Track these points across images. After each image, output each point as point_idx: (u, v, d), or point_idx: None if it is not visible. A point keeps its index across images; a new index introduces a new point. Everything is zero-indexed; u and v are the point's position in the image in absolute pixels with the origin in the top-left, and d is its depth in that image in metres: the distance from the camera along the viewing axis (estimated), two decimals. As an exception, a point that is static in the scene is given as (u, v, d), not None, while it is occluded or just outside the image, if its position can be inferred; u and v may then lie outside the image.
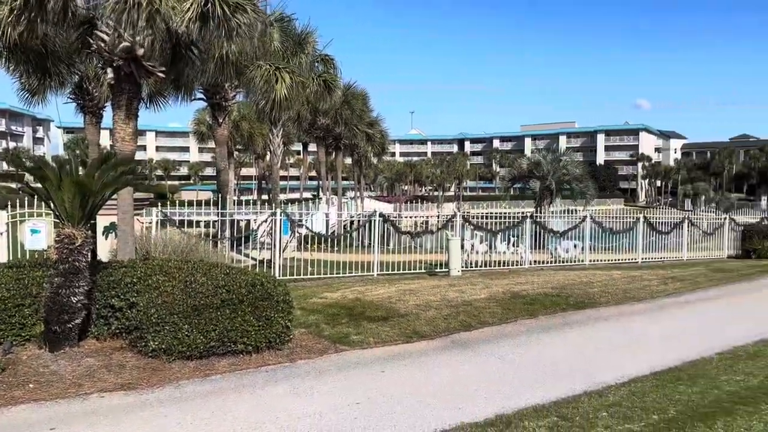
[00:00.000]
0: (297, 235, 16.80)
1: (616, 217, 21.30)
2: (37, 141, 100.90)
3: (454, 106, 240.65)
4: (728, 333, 9.23)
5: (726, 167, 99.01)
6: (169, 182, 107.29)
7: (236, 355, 7.32)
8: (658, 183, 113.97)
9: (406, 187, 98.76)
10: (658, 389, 6.45)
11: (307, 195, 64.38)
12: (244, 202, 15.17)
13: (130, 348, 7.25)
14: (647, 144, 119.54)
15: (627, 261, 19.51)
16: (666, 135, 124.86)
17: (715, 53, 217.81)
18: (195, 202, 15.49)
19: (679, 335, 9.19)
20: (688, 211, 46.96)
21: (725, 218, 23.14)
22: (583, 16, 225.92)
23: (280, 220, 14.34)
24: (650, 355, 7.92)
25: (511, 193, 77.88)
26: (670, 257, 20.64)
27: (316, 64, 18.60)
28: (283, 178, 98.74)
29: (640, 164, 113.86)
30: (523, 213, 19.07)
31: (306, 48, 17.58)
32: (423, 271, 15.73)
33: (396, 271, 15.24)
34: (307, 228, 16.12)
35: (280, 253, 13.99)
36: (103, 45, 9.57)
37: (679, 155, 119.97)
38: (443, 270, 15.43)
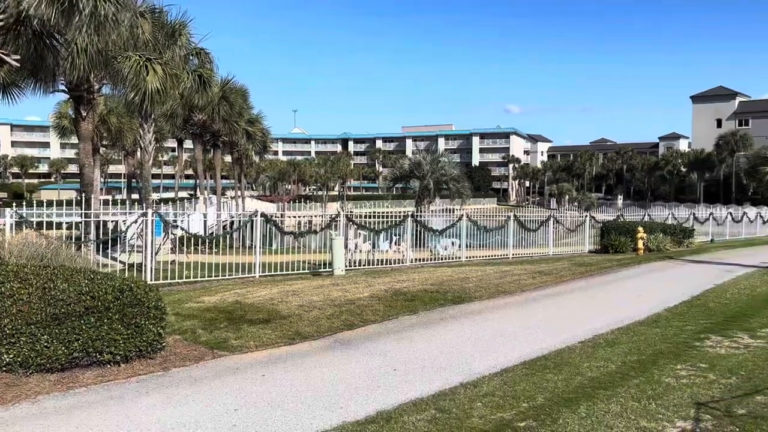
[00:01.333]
0: (172, 236, 16.01)
1: (490, 215, 22.45)
2: None
3: (337, 105, 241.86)
4: (590, 322, 10.00)
5: (587, 169, 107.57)
6: (27, 180, 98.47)
7: (103, 366, 6.82)
8: (527, 183, 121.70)
9: (289, 187, 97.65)
10: (528, 378, 6.85)
11: (184, 194, 61.62)
12: (111, 202, 14.19)
13: (-23, 364, 6.52)
14: (517, 147, 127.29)
15: (500, 257, 20.59)
16: (534, 138, 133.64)
17: (577, 62, 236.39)
18: (56, 202, 14.26)
19: (547, 326, 9.82)
20: (554, 209, 50.60)
21: (586, 216, 25.12)
22: (457, 23, 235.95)
23: (152, 220, 13.58)
24: (521, 346, 8.39)
25: (394, 192, 79.62)
26: (538, 252, 22.04)
27: (191, 57, 17.82)
28: (157, 176, 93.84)
29: (511, 166, 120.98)
30: (404, 212, 19.50)
31: (180, 41, 16.78)
32: (307, 271, 15.61)
33: (279, 272, 14.99)
34: (182, 229, 15.40)
35: (152, 256, 13.24)
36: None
37: (545, 157, 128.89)
38: (327, 270, 15.40)
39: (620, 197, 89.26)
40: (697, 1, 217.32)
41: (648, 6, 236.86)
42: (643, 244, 21.95)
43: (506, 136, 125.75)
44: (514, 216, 21.69)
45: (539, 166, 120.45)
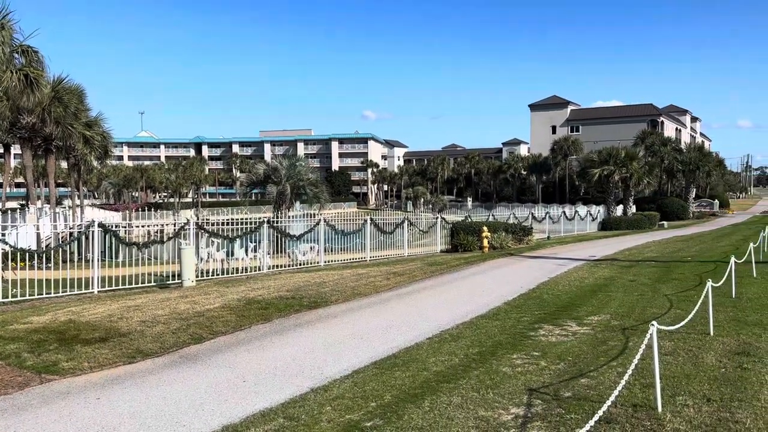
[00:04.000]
0: (-5, 251, 14.32)
1: (348, 219, 22.75)
2: None
3: (189, 109, 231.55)
4: (438, 319, 10.47)
5: (439, 173, 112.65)
6: None
7: None
8: (386, 187, 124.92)
9: (136, 194, 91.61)
10: (377, 377, 7.00)
11: (14, 204, 55.49)
12: None
13: None
14: (375, 152, 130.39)
15: (358, 260, 20.91)
16: (390, 144, 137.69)
17: (427, 72, 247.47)
18: None
19: (399, 325, 10.12)
20: (409, 212, 52.43)
21: (437, 217, 26.33)
22: (313, 29, 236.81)
23: (-30, 235, 12.05)
24: (373, 346, 8.57)
25: (252, 198, 77.73)
26: (394, 254, 22.70)
27: (16, 55, 16.11)
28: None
29: (369, 170, 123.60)
30: (262, 218, 19.11)
31: (2, 35, 15.10)
32: (153, 284, 14.74)
33: (122, 286, 13.99)
34: (6, 243, 13.82)
35: (-30, 275, 11.75)
36: None
37: (402, 162, 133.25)
38: (177, 281, 14.66)
39: (470, 199, 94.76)
40: (534, 18, 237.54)
41: (492, 20, 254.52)
42: (488, 242, 23.45)
43: (364, 141, 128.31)
44: (371, 219, 22.15)
45: (396, 170, 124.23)
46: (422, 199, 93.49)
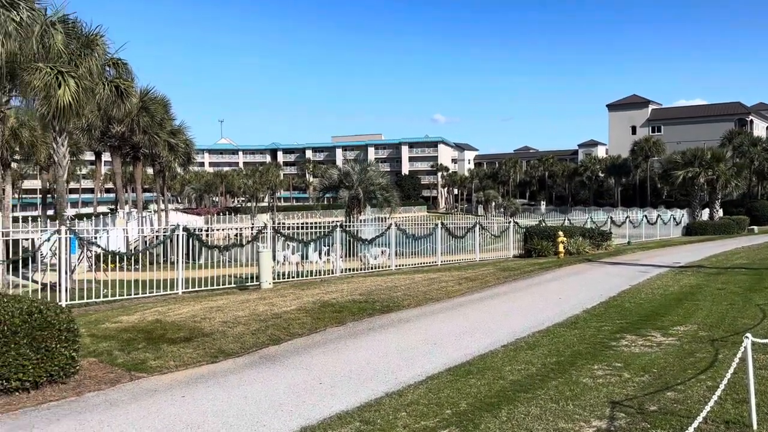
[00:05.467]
0: (88, 254, 15.28)
1: (419, 223, 22.76)
2: None
3: (265, 116, 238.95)
4: (512, 326, 10.29)
5: (511, 176, 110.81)
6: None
7: (10, 394, 6.42)
8: (456, 191, 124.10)
9: (216, 199, 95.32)
10: (452, 384, 6.95)
11: (104, 209, 59.02)
12: (22, 219, 13.39)
13: None
14: (445, 155, 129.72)
15: (428, 264, 20.86)
16: (461, 147, 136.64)
17: (498, 73, 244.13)
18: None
19: (472, 331, 10.01)
20: (481, 216, 51.77)
21: (510, 222, 25.88)
22: (383, 32, 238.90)
23: (67, 238, 12.91)
24: (447, 352, 8.52)
25: (324, 202, 79.21)
26: (465, 259, 22.50)
27: (108, 68, 17.13)
28: (75, 191, 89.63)
29: (439, 174, 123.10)
30: (334, 222, 19.43)
31: (96, 51, 16.10)
32: (233, 285, 15.27)
33: (204, 287, 14.58)
34: (99, 246, 14.72)
35: (67, 276, 12.58)
36: None
37: (472, 165, 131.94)
38: (255, 283, 15.13)
39: (543, 203, 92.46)
40: (610, 16, 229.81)
41: (564, 18, 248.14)
42: (564, 247, 22.82)
43: (434, 145, 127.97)
44: (442, 223, 22.06)
45: (467, 173, 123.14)
46: (493, 203, 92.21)
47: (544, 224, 27.18)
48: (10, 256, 14.39)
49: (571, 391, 6.54)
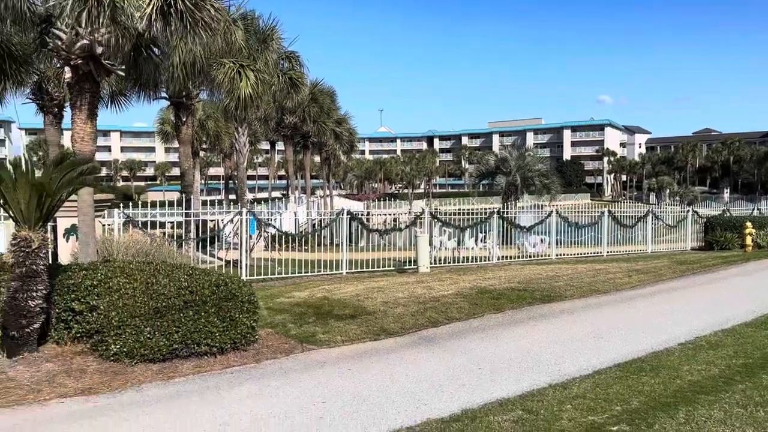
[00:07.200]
0: (265, 234, 16.64)
1: (582, 211, 21.64)
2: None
3: (422, 104, 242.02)
4: (690, 323, 9.42)
5: (689, 161, 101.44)
6: (135, 183, 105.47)
7: (200, 357, 7.20)
8: (624, 177, 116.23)
9: (376, 185, 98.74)
10: (622, 380, 6.55)
11: (276, 194, 63.89)
12: (209, 202, 14.96)
13: (91, 352, 7.07)
14: (612, 139, 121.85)
15: (592, 254, 19.81)
16: (630, 130, 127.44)
17: (674, 49, 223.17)
18: (159, 203, 15.22)
19: (643, 326, 9.34)
20: (653, 204, 47.94)
21: (688, 211, 23.67)
22: (544, 15, 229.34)
23: (247, 219, 14.18)
24: (614, 347, 8.04)
25: (480, 189, 78.63)
26: (635, 250, 21.03)
27: (282, 61, 18.43)
28: (252, 177, 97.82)
29: (605, 159, 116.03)
30: (491, 209, 19.20)
31: (271, 45, 17.40)
32: (392, 268, 15.74)
33: (365, 269, 15.21)
34: (274, 227, 15.97)
35: (247, 253, 13.83)
36: (60, 43, 9.33)
37: (643, 150, 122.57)
38: (412, 267, 15.46)
39: (726, 191, 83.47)
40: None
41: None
42: (752, 240, 20.42)
43: (600, 128, 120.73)
44: (609, 211, 20.81)
45: (637, 159, 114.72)
46: (667, 191, 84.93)
47: (728, 214, 24.58)
48: (200, 234, 16.13)
49: (761, 396, 5.86)
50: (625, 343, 8.28)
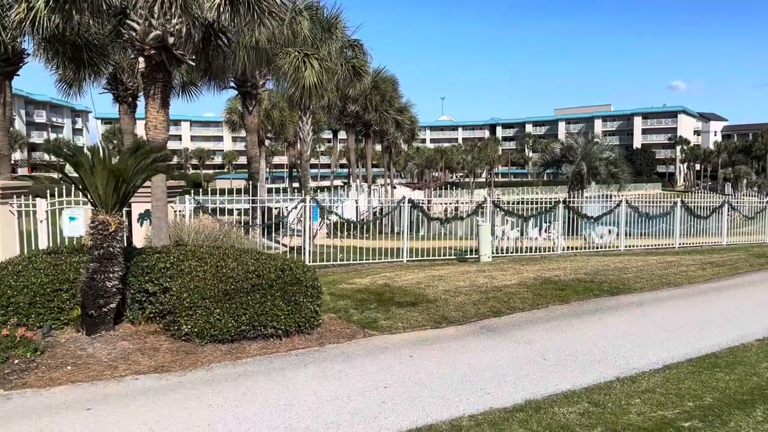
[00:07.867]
0: (327, 222, 16.86)
1: (653, 201, 20.80)
2: (76, 132, 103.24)
3: (485, 91, 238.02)
4: (769, 319, 8.95)
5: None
6: (204, 171, 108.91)
7: (266, 339, 7.40)
8: (698, 167, 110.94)
9: (436, 174, 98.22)
10: (694, 376, 6.29)
11: (338, 182, 64.65)
12: (274, 190, 15.29)
13: (163, 332, 7.39)
14: (686, 127, 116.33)
15: (664, 246, 19.05)
16: (705, 117, 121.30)
17: (751, 32, 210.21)
18: (227, 190, 15.68)
19: (718, 321, 8.94)
20: (728, 195, 45.58)
21: (767, 202, 22.38)
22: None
23: (310, 207, 14.41)
24: (686, 341, 7.73)
25: (544, 178, 76.88)
26: (709, 242, 20.09)
27: (345, 49, 18.52)
28: (314, 166, 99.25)
29: (678, 147, 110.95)
30: (555, 198, 18.73)
31: (335, 34, 17.53)
32: (453, 257, 15.64)
33: (425, 257, 15.19)
34: (336, 215, 16.17)
35: (310, 240, 14.06)
36: (134, 34, 9.67)
37: (719, 138, 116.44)
38: (473, 256, 15.32)
39: (812, 181, 78.17)
40: None
41: None
42: (841, 233, 19.10)
43: (673, 115, 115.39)
44: (682, 202, 19.93)
45: (712, 147, 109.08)
46: (745, 180, 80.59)
47: (813, 205, 23.04)
48: (265, 221, 16.52)
49: None
50: (697, 337, 7.94)
